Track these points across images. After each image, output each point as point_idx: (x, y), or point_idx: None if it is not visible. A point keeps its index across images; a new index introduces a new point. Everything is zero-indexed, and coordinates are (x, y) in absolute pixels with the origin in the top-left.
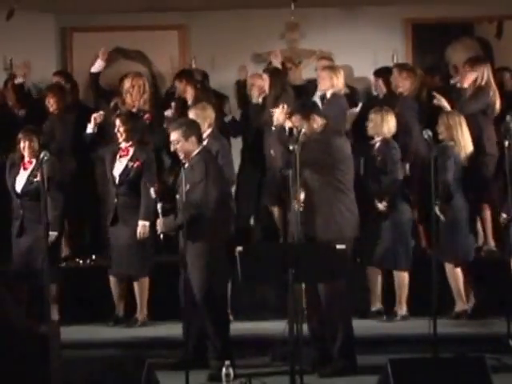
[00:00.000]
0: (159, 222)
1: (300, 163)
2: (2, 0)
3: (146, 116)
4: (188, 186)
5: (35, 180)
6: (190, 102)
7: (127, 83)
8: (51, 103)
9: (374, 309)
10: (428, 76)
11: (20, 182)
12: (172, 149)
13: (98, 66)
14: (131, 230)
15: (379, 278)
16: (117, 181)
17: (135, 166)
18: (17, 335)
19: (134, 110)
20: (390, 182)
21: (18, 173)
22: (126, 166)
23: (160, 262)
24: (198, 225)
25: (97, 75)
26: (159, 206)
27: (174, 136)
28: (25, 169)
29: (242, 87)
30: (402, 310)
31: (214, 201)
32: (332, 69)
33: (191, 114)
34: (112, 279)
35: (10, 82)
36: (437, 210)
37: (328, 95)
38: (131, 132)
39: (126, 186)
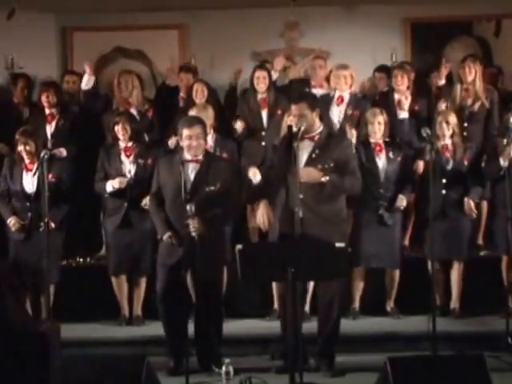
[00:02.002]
0: (195, 222)
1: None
2: (3, 0)
3: (148, 112)
4: (215, 187)
5: (48, 181)
6: (198, 101)
7: (115, 81)
8: (48, 100)
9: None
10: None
11: (29, 184)
12: (194, 144)
13: (87, 81)
14: (143, 230)
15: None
16: (131, 181)
17: (149, 163)
18: (17, 333)
19: (133, 109)
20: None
21: (21, 174)
22: (138, 164)
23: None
24: (219, 225)
25: (90, 92)
26: (188, 206)
27: (196, 130)
28: (28, 170)
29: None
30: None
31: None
32: (348, 68)
33: (194, 114)
34: (115, 280)
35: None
36: (472, 206)
37: (347, 96)
38: (134, 131)
39: (141, 185)
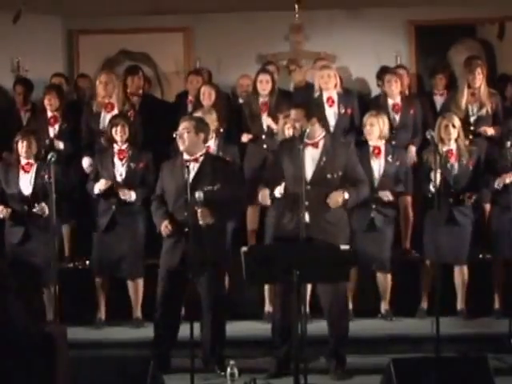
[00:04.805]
0: (203, 211)
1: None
2: (9, 3)
3: (130, 113)
4: (216, 186)
5: (44, 182)
6: (205, 104)
7: (96, 82)
8: (51, 103)
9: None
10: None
11: (26, 186)
12: (179, 137)
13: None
14: (132, 232)
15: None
16: (121, 183)
17: (140, 166)
18: (22, 335)
19: (115, 111)
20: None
21: (17, 176)
22: (129, 167)
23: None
24: (224, 224)
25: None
26: (197, 194)
27: (185, 125)
28: (26, 171)
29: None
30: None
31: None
32: (332, 67)
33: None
34: (99, 281)
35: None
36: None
37: (335, 96)
38: (131, 134)
39: (130, 188)
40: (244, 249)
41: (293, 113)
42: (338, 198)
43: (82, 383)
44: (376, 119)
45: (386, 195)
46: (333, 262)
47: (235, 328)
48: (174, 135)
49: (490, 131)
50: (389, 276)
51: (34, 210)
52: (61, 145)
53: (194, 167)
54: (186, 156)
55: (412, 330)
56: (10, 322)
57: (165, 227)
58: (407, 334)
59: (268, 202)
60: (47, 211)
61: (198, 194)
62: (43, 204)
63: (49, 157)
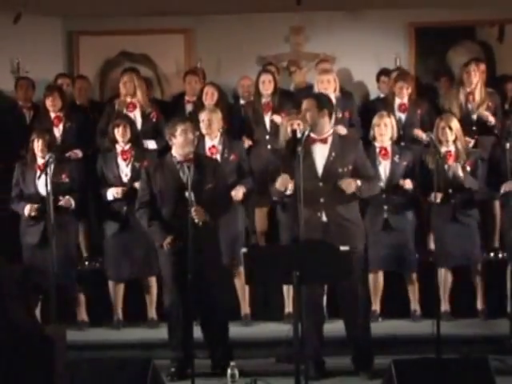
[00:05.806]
0: (198, 210)
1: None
2: (10, 4)
3: (152, 114)
4: (212, 184)
5: (62, 181)
6: (207, 104)
7: (120, 81)
8: (54, 104)
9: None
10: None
11: (43, 185)
12: (191, 137)
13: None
14: (144, 233)
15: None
16: (128, 184)
17: (144, 165)
18: (22, 336)
19: (137, 111)
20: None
21: (34, 176)
22: (133, 167)
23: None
24: (216, 223)
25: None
26: (187, 194)
27: (190, 125)
28: (42, 170)
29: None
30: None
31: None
32: (331, 71)
33: (205, 116)
34: (113, 284)
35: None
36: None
37: (333, 100)
38: (133, 135)
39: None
40: (244, 250)
41: (304, 103)
42: (351, 181)
43: None
44: (389, 119)
45: (408, 183)
46: (331, 262)
47: (236, 329)
48: (169, 140)
49: (491, 118)
50: (414, 275)
51: (60, 203)
52: (79, 154)
53: (189, 167)
54: (178, 157)
55: (413, 331)
56: (10, 324)
57: (167, 244)
58: (408, 335)
59: (290, 185)
60: (73, 203)
61: (189, 195)
62: (67, 196)
63: (47, 157)
